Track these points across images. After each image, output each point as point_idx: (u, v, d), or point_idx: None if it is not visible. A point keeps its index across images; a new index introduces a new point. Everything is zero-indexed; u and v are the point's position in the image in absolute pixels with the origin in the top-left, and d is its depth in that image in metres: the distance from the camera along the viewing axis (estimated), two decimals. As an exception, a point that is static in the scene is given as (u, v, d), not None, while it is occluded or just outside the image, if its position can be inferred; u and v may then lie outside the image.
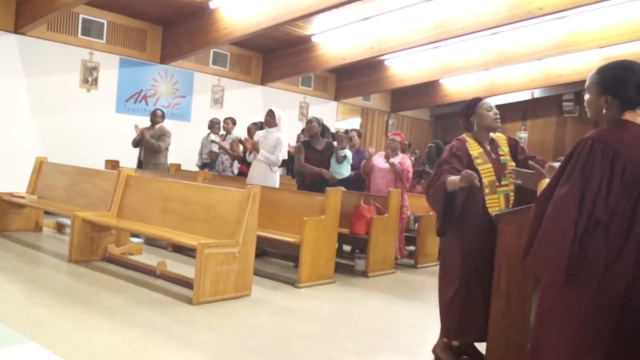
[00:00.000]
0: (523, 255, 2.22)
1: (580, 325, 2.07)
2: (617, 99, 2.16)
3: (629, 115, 2.16)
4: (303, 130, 8.30)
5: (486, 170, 3.34)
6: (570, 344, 2.09)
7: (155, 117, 7.70)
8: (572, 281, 2.07)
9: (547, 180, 2.37)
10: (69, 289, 4.46)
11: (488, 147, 3.45)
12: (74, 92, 8.80)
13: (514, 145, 3.56)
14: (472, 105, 3.53)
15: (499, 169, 3.38)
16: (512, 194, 3.39)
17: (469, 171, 3.12)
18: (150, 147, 7.49)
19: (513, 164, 3.42)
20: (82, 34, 8.80)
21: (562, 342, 2.11)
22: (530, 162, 3.06)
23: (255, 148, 6.21)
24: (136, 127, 7.58)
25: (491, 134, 3.52)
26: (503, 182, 3.36)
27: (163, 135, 7.60)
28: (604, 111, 2.19)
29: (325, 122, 6.53)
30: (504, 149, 3.50)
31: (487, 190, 3.32)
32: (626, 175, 2.03)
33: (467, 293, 3.33)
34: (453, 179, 3.20)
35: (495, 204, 3.32)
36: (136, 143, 7.69)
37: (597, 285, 2.03)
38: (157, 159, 7.59)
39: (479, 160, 3.37)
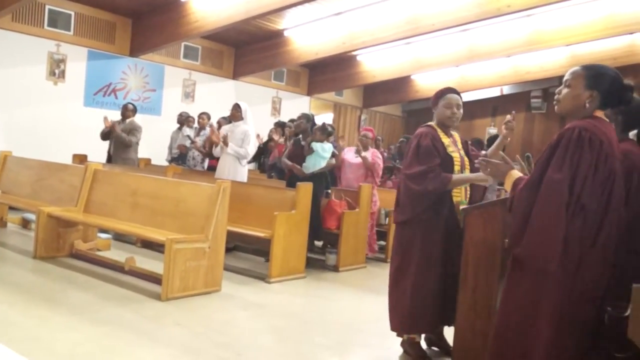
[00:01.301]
0: (512, 244, 2.23)
1: (555, 316, 2.10)
2: (601, 96, 2.25)
3: (599, 113, 2.27)
4: (275, 125, 8.25)
5: (456, 160, 3.39)
6: (546, 336, 2.12)
7: (127, 111, 7.57)
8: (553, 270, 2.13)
9: (515, 172, 2.41)
10: (33, 286, 4.36)
11: (450, 139, 3.49)
12: (41, 85, 8.60)
13: (464, 143, 3.62)
14: (438, 96, 3.50)
15: (462, 161, 3.44)
16: (468, 187, 3.45)
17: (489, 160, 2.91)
18: (121, 141, 7.37)
19: (467, 159, 3.49)
20: (49, 25, 8.60)
21: (533, 334, 2.15)
22: (500, 152, 3.08)
23: (225, 142, 6.18)
24: (105, 119, 7.44)
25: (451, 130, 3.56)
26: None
27: (134, 129, 7.49)
28: (587, 105, 2.26)
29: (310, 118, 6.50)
30: (459, 145, 3.55)
31: None
32: (607, 164, 2.12)
33: (423, 290, 3.31)
34: (461, 176, 3.27)
35: (459, 194, 3.38)
36: (105, 135, 7.55)
37: (573, 274, 2.08)
38: (127, 154, 7.47)
39: (450, 149, 3.40)
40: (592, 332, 2.13)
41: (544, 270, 2.12)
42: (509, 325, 2.25)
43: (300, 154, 6.17)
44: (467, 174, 3.37)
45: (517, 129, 14.14)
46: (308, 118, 6.35)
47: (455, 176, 3.27)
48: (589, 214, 2.09)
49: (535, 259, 2.17)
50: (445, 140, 3.43)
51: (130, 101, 8.39)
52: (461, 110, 3.48)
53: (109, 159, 7.54)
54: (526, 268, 2.19)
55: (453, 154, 3.39)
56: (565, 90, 2.33)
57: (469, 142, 3.71)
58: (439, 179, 3.24)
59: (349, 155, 6.60)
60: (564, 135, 2.17)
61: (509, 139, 3.31)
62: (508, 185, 2.39)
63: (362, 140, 6.52)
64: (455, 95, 3.49)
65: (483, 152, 3.57)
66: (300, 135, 6.34)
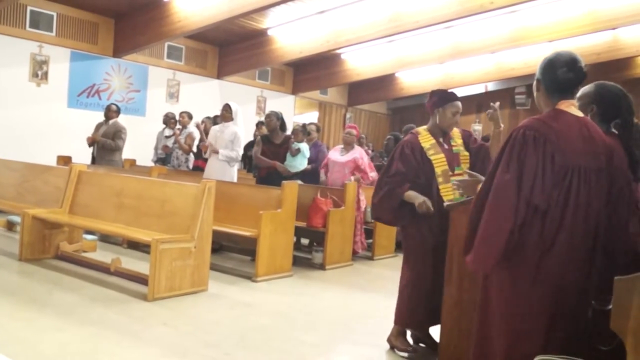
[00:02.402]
0: (464, 250, 2.26)
1: (518, 311, 2.14)
2: (543, 82, 2.26)
3: (563, 105, 2.22)
4: (258, 125, 8.27)
5: (438, 160, 3.44)
6: (511, 329, 2.16)
7: (110, 112, 7.53)
8: (510, 269, 2.14)
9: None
10: (19, 288, 4.34)
11: (441, 139, 3.55)
12: (23, 86, 8.52)
13: (467, 136, 3.67)
14: (445, 99, 3.53)
15: (452, 159, 3.48)
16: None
17: (427, 202, 3.30)
18: (107, 147, 7.33)
19: (466, 153, 3.55)
20: (31, 26, 8.53)
21: (502, 329, 2.19)
22: (467, 170, 3.16)
23: (214, 150, 6.19)
24: (87, 138, 7.44)
25: None
26: (456, 172, 3.45)
27: (118, 132, 7.43)
28: (535, 93, 2.29)
29: (284, 116, 6.53)
30: (457, 140, 3.60)
31: (440, 180, 3.42)
32: (556, 163, 2.08)
33: (415, 287, 3.43)
34: (411, 195, 3.37)
35: (449, 192, 3.41)
36: (92, 142, 7.57)
37: (534, 273, 2.10)
38: (111, 156, 7.43)
39: (431, 152, 3.47)
40: (574, 328, 2.14)
41: (495, 273, 2.16)
42: (477, 326, 2.29)
43: (276, 152, 6.20)
44: (412, 193, 3.41)
45: (503, 127, 14.28)
46: (277, 116, 6.36)
47: (409, 193, 3.38)
48: (546, 215, 2.06)
49: (483, 265, 2.19)
50: (427, 143, 3.49)
51: (113, 102, 8.34)
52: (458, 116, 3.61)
53: (93, 161, 7.51)
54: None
55: (433, 157, 3.45)
56: None
57: (473, 136, 3.72)
58: (391, 193, 3.42)
59: (334, 154, 6.65)
60: (511, 136, 2.16)
61: (499, 128, 3.38)
62: None
63: (346, 138, 6.58)
64: (459, 102, 3.56)
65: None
66: (270, 134, 6.37)
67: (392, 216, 3.53)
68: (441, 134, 3.56)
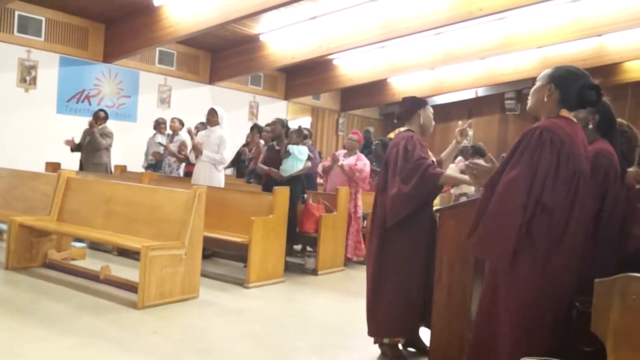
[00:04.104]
0: (467, 236, 2.28)
1: (522, 312, 2.13)
2: (559, 91, 2.28)
3: (565, 113, 2.29)
4: (252, 129, 8.21)
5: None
6: (513, 331, 2.15)
7: (98, 119, 7.52)
8: (517, 265, 2.14)
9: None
10: (4, 298, 4.26)
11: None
12: (11, 91, 8.44)
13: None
14: (422, 101, 3.61)
15: None
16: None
17: (474, 164, 2.85)
18: (94, 140, 7.32)
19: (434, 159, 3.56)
20: (19, 31, 8.46)
21: (503, 330, 2.17)
22: (489, 155, 3.13)
23: (198, 150, 6.15)
24: (67, 142, 7.45)
25: None
26: None
27: (105, 135, 7.45)
28: (545, 99, 2.30)
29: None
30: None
31: None
32: (570, 164, 2.14)
33: (402, 294, 3.35)
34: (451, 175, 3.35)
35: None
36: (76, 147, 7.52)
37: (541, 270, 2.11)
38: (98, 159, 7.39)
39: (430, 154, 3.47)
40: (561, 329, 2.16)
41: (503, 269, 2.16)
42: (481, 325, 2.27)
43: (276, 159, 6.15)
44: (451, 173, 3.41)
45: (493, 130, 14.36)
46: (282, 123, 6.33)
47: (448, 172, 3.31)
48: (554, 213, 2.10)
49: (488, 254, 2.23)
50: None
51: (102, 108, 8.28)
52: None
53: (81, 167, 7.46)
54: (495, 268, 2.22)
55: (432, 159, 3.44)
56: (534, 86, 2.39)
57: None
58: (426, 174, 3.21)
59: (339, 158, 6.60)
60: (525, 136, 2.20)
61: (460, 144, 3.44)
62: None
63: (347, 143, 6.56)
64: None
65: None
66: (275, 141, 6.32)
67: (422, 202, 3.26)
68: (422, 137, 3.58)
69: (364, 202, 6.66)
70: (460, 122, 3.44)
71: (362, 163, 6.47)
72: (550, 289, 2.12)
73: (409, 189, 3.22)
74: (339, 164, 6.36)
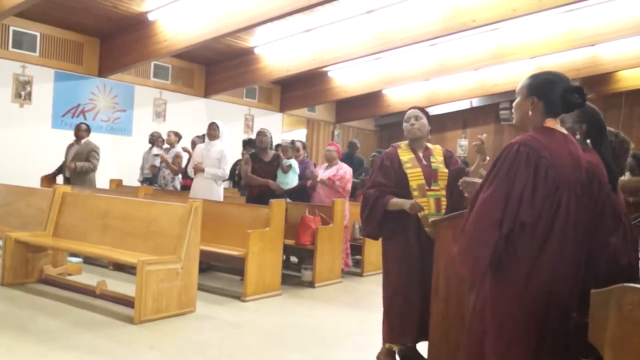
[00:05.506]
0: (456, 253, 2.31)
1: (508, 320, 2.13)
2: (542, 102, 2.26)
3: (550, 123, 2.26)
4: (245, 145, 8.25)
5: (414, 174, 3.47)
6: (499, 338, 2.15)
7: (80, 132, 7.34)
8: (502, 276, 2.14)
9: None
10: (0, 314, 4.23)
11: (420, 154, 3.58)
12: (6, 107, 8.44)
13: (449, 156, 3.69)
14: (404, 114, 3.70)
15: (430, 174, 3.49)
16: (443, 198, 3.48)
17: (417, 202, 3.33)
18: (86, 171, 7.18)
19: (445, 170, 3.55)
20: (14, 46, 8.47)
21: (491, 339, 2.17)
22: (481, 170, 3.15)
23: (199, 169, 6.15)
24: (68, 167, 7.26)
25: (427, 144, 3.64)
26: (433, 187, 3.47)
27: (92, 151, 7.26)
28: (530, 113, 2.29)
29: (272, 134, 6.53)
30: (438, 157, 3.61)
31: (415, 194, 3.42)
32: (549, 178, 2.12)
33: (402, 296, 3.43)
34: (396, 202, 3.39)
35: (425, 207, 3.41)
36: (59, 170, 7.44)
37: (524, 280, 2.11)
38: (85, 175, 7.21)
39: (408, 165, 3.50)
40: (553, 343, 2.14)
41: (479, 283, 2.20)
42: (471, 337, 2.27)
43: (269, 170, 6.16)
44: (398, 200, 3.41)
45: (488, 140, 14.30)
46: (270, 133, 6.36)
47: (394, 200, 3.40)
48: (536, 229, 2.09)
49: (465, 269, 2.26)
50: (405, 157, 3.53)
51: (83, 121, 8.15)
52: (422, 121, 3.60)
53: (67, 182, 7.27)
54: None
55: (409, 170, 3.47)
56: (515, 101, 2.38)
57: (454, 157, 3.76)
58: (376, 206, 3.44)
59: (319, 172, 6.67)
60: (503, 152, 2.18)
61: (484, 160, 3.38)
62: None
63: (327, 154, 6.69)
64: (413, 110, 3.66)
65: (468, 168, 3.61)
66: (259, 151, 6.30)
67: (377, 228, 3.52)
68: (422, 148, 3.61)
69: (356, 213, 6.66)
70: (477, 142, 3.37)
71: (343, 171, 6.59)
72: (532, 305, 2.10)
73: (364, 217, 3.54)
74: (318, 179, 6.45)
